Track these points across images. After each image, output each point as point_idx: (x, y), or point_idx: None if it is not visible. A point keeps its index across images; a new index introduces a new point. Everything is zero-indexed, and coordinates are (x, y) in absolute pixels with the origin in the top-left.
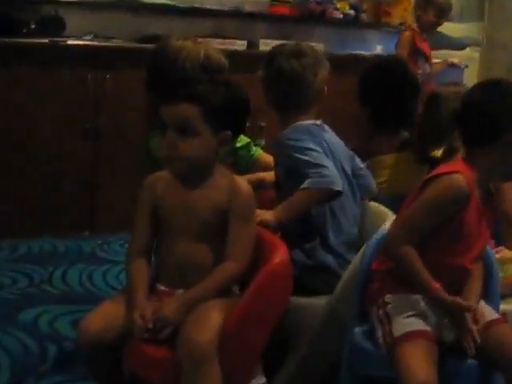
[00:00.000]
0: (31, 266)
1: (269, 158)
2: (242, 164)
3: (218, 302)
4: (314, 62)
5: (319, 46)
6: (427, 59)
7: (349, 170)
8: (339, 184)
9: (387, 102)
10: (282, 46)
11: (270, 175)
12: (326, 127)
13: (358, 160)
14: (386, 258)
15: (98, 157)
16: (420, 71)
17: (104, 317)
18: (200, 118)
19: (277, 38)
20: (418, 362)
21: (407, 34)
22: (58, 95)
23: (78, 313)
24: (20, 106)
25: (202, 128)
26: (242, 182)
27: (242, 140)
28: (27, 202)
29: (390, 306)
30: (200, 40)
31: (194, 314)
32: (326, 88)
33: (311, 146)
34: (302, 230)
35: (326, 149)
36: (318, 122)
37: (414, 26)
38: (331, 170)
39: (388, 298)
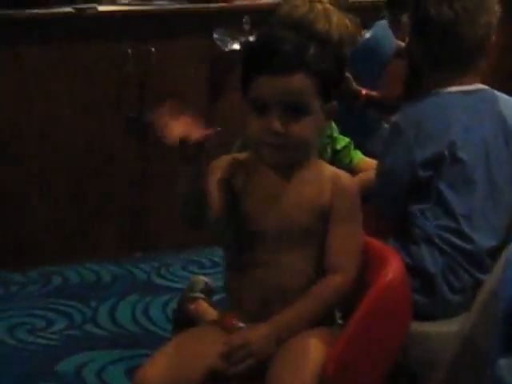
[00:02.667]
0: (70, 301)
1: (371, 164)
2: None
3: (318, 333)
4: (473, 6)
5: None
6: None
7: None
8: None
9: None
10: None
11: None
12: (490, 95)
13: None
14: None
15: (147, 153)
16: None
17: (165, 369)
18: (314, 91)
19: None
20: None
21: None
22: (90, 78)
23: (132, 359)
24: (39, 95)
25: (315, 103)
26: (346, 175)
27: (342, 140)
28: (59, 221)
29: None
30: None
31: (286, 349)
32: (492, 41)
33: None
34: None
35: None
36: (475, 86)
37: None
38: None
39: None
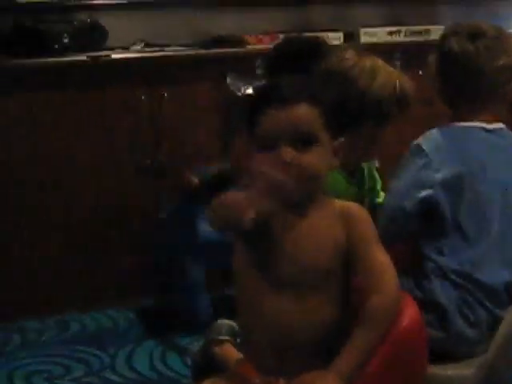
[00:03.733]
0: (87, 348)
1: None
2: None
3: None
4: (493, 45)
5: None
6: None
7: None
8: None
9: None
10: (458, 24)
11: None
12: (506, 133)
13: None
14: None
15: (163, 200)
16: None
17: None
18: (321, 122)
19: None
20: None
21: None
22: (105, 124)
23: None
24: (54, 142)
25: (323, 134)
26: (355, 204)
27: (381, 196)
28: (75, 265)
29: None
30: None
31: None
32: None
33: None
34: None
35: (467, 171)
36: (493, 126)
37: None
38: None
39: None
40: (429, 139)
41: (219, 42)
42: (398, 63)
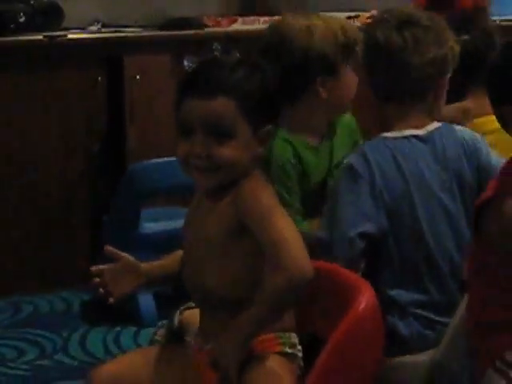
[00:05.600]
0: (40, 331)
1: None
2: None
3: (275, 380)
4: (423, 36)
5: None
6: None
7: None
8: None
9: None
10: (389, 10)
11: None
12: (442, 136)
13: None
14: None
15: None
16: None
17: (124, 364)
18: (238, 114)
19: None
20: None
21: None
22: (60, 106)
23: None
24: (8, 122)
25: (240, 127)
26: (249, 183)
27: None
28: (28, 248)
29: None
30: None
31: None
32: (446, 78)
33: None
34: None
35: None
36: (426, 129)
37: None
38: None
39: (510, 355)
40: (361, 160)
41: (177, 23)
42: None
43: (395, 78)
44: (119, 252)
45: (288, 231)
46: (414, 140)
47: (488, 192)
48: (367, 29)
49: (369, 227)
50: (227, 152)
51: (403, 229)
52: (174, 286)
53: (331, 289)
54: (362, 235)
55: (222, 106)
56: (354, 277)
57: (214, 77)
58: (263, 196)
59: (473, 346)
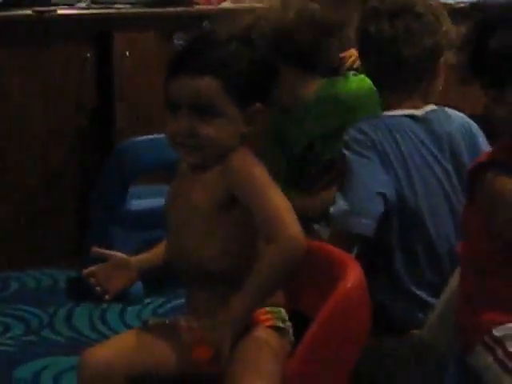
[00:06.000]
0: (26, 306)
1: None
2: None
3: (267, 349)
4: (415, 25)
5: None
6: None
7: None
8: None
9: None
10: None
11: None
12: (439, 117)
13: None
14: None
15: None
16: None
17: (116, 347)
18: (224, 93)
19: None
20: None
21: None
22: (48, 84)
23: None
24: None
25: (225, 106)
26: (237, 154)
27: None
28: (15, 224)
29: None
30: None
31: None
32: (440, 61)
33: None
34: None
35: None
36: (424, 110)
37: None
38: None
39: (498, 331)
40: (366, 134)
41: (167, 0)
42: None
43: (387, 69)
44: (107, 251)
45: (282, 205)
46: (410, 119)
47: (482, 157)
48: (362, 19)
49: (386, 190)
50: (211, 130)
51: (405, 209)
52: (163, 275)
53: (318, 266)
54: (382, 195)
55: (208, 84)
56: (340, 253)
57: (202, 55)
58: (256, 170)
59: (462, 322)
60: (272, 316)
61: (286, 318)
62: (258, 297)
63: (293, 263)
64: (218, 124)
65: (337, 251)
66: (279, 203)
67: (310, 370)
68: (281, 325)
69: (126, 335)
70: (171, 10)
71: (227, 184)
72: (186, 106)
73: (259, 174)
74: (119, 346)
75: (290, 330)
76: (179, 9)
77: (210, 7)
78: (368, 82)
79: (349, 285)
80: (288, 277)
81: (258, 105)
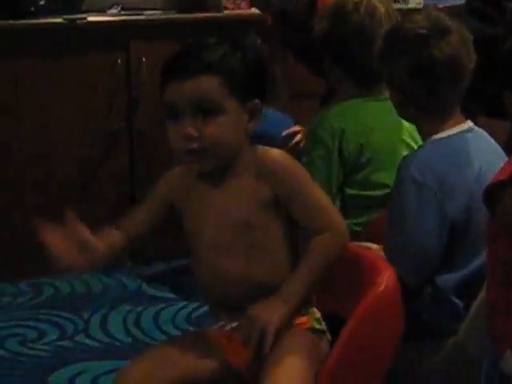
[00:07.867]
0: (61, 312)
1: None
2: None
3: (305, 351)
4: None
5: None
6: None
7: None
8: None
9: None
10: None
11: None
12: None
13: None
14: None
15: (135, 164)
16: None
17: (148, 366)
18: (223, 89)
19: None
20: None
21: None
22: (80, 88)
23: None
24: (29, 106)
25: (227, 101)
26: (271, 157)
27: None
28: None
29: None
30: None
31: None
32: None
33: None
34: None
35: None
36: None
37: None
38: None
39: None
40: (418, 167)
41: (197, 6)
42: None
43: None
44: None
45: (327, 199)
46: (463, 135)
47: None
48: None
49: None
50: (219, 129)
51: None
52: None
53: (351, 269)
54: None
55: (206, 82)
56: (374, 257)
57: (198, 55)
58: (299, 168)
59: (491, 329)
60: (308, 318)
61: (320, 317)
62: (308, 282)
63: (340, 252)
64: (222, 122)
65: (370, 254)
66: (324, 197)
67: (343, 371)
68: (317, 326)
69: (160, 348)
70: (200, 15)
71: (269, 186)
72: (188, 107)
73: (303, 171)
74: (155, 360)
75: (327, 331)
76: (208, 14)
77: (238, 12)
78: None
79: (382, 287)
80: (331, 268)
81: (256, 101)
